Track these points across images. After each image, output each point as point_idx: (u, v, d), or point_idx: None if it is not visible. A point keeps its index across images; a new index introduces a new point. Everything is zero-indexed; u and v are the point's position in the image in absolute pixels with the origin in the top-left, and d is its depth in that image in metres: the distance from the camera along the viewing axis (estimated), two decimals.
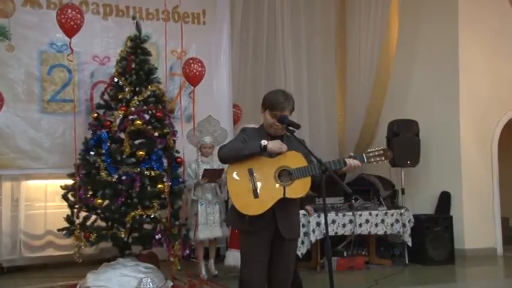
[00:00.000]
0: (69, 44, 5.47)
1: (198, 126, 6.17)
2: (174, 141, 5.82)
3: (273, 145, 3.32)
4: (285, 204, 3.32)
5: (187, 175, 6.11)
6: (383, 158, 3.43)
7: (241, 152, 3.32)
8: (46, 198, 6.71)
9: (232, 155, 3.36)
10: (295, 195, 3.33)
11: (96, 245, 5.61)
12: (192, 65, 6.25)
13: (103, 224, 5.57)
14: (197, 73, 6.24)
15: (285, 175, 3.33)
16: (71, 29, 5.43)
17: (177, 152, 5.87)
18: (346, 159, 3.34)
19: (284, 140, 3.44)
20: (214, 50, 7.38)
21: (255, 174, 3.31)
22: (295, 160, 3.34)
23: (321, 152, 6.62)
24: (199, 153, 6.21)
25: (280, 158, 3.35)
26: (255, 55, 8.01)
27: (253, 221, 3.29)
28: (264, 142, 3.28)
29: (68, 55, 5.59)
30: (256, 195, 3.28)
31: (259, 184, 3.30)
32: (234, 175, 3.36)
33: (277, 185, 3.31)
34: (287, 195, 3.29)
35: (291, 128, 3.40)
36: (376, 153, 3.43)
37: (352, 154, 3.43)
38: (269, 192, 3.30)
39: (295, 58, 8.23)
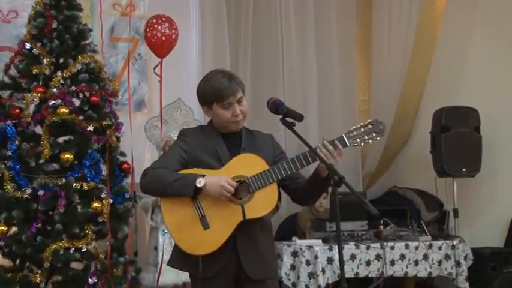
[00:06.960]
0: None
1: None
2: (118, 138, 5.76)
3: (214, 189, 3.33)
4: (248, 230, 3.40)
5: None
6: (374, 135, 3.43)
7: (168, 189, 3.39)
8: None
9: (155, 189, 3.51)
10: (259, 213, 3.38)
11: None
12: (156, 26, 6.17)
13: (7, 262, 5.46)
14: (163, 37, 6.15)
15: (242, 188, 3.39)
16: None
17: (123, 154, 5.79)
18: (317, 148, 3.33)
19: (243, 137, 3.56)
20: (178, 4, 7.35)
21: (199, 195, 3.36)
22: (251, 164, 3.41)
23: None
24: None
25: (232, 165, 3.43)
26: (238, 13, 7.88)
27: (208, 260, 3.35)
28: (199, 183, 3.32)
29: None
30: (205, 225, 3.35)
31: (207, 208, 3.36)
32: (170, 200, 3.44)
33: (232, 204, 3.36)
34: (248, 217, 3.34)
35: (288, 119, 3.38)
36: (363, 130, 3.44)
37: (325, 139, 3.39)
38: (223, 217, 3.35)
39: (300, 20, 8.16)
